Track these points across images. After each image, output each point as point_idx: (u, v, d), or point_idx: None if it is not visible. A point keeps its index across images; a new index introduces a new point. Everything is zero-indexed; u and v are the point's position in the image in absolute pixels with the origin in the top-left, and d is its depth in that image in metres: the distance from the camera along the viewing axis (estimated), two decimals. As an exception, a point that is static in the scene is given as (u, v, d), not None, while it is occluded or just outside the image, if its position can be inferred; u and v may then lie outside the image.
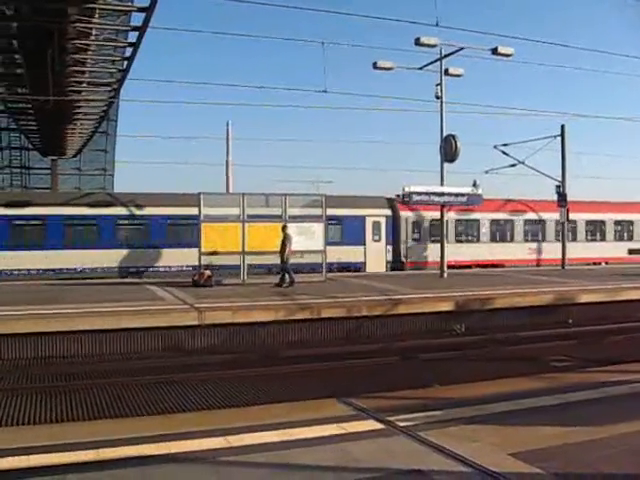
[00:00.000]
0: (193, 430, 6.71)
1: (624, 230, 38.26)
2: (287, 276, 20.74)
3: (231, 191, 29.75)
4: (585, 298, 18.98)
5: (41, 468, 5.66)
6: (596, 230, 37.44)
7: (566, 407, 7.67)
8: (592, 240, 37.11)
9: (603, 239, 37.40)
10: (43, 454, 5.96)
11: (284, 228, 20.90)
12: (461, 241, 33.32)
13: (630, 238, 38.31)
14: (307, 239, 22.21)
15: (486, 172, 34.51)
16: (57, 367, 12.57)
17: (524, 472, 5.44)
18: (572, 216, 32.10)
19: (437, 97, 24.94)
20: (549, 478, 5.35)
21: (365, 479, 5.47)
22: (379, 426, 6.87)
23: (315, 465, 5.76)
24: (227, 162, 31.89)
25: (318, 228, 22.56)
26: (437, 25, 21.64)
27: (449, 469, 5.57)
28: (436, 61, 24.42)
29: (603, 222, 37.37)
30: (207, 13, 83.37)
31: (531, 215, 35.32)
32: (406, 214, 31.73)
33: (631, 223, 38.36)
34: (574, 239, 35.27)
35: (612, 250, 36.83)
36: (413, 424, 6.84)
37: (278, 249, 20.72)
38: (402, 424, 6.83)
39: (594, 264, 35.51)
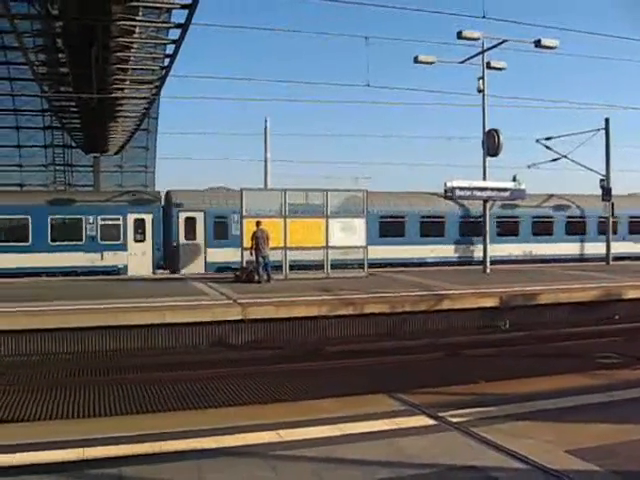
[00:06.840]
0: (245, 424, 6.77)
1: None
2: (261, 272, 20.39)
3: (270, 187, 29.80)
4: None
5: (97, 460, 5.74)
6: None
7: (616, 404, 7.57)
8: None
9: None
10: (99, 447, 6.04)
11: (258, 224, 20.41)
12: None
13: None
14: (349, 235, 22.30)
15: (528, 167, 33.88)
16: (105, 361, 12.80)
17: (583, 470, 5.36)
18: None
19: (479, 91, 24.62)
20: (608, 476, 5.27)
21: (419, 475, 5.44)
22: (431, 422, 6.85)
23: (368, 460, 5.77)
24: (265, 158, 31.96)
25: (359, 224, 22.57)
26: (484, 17, 21.32)
27: (505, 466, 5.53)
28: (478, 54, 24.11)
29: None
30: (247, 8, 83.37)
31: None
32: None
33: None
34: None
35: None
36: (465, 420, 6.80)
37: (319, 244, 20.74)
38: (454, 420, 6.80)
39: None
